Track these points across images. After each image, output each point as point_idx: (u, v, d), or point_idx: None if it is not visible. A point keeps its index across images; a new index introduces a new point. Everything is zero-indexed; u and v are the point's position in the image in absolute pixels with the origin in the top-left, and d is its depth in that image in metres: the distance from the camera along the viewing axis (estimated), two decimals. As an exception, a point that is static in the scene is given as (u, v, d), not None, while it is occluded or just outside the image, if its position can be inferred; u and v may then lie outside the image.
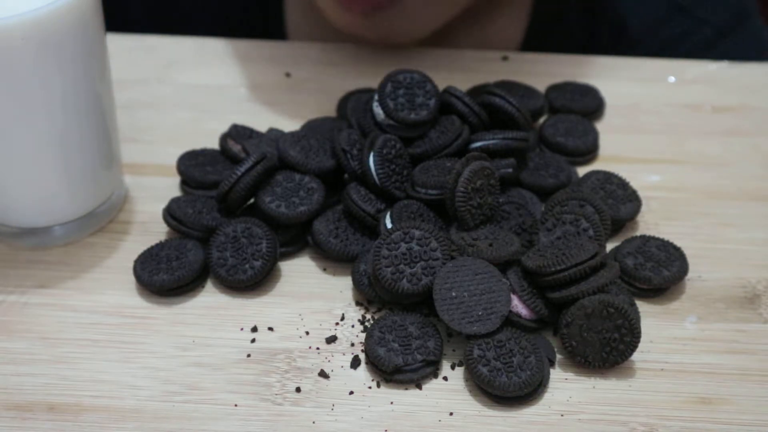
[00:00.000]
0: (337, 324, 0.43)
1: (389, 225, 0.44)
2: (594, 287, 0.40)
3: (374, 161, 0.45)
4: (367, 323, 0.42)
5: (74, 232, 0.47)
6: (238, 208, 0.46)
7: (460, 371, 0.40)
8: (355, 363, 0.41)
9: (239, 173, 0.45)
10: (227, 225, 0.45)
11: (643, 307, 0.44)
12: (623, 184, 0.48)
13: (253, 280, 0.43)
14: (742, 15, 0.70)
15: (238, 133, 0.51)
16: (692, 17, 0.69)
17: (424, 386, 0.40)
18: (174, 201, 0.46)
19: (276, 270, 0.45)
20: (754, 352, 0.42)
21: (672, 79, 0.61)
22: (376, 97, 0.48)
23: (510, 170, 0.47)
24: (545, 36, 0.68)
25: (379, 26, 0.58)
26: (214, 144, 0.52)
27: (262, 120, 0.54)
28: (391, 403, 0.39)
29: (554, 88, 0.58)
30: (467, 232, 0.43)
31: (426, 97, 0.48)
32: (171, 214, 0.46)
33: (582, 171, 0.51)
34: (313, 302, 0.44)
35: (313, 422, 0.38)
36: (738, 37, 0.68)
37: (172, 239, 0.46)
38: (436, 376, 0.40)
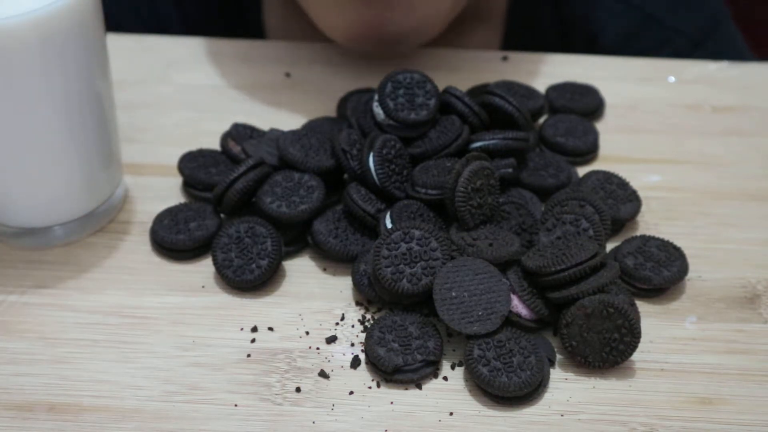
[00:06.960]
0: (337, 324, 0.43)
1: (389, 225, 0.44)
2: (594, 287, 0.40)
3: (374, 161, 0.45)
4: (367, 323, 0.42)
5: (74, 232, 0.47)
6: (235, 211, 0.46)
7: (460, 371, 0.40)
8: (355, 363, 0.41)
9: (233, 177, 0.45)
10: (230, 226, 0.45)
11: (643, 307, 0.44)
12: (623, 184, 0.48)
13: (260, 280, 0.43)
14: (715, 21, 0.69)
15: (239, 132, 0.51)
16: (665, 27, 0.68)
17: (424, 386, 0.40)
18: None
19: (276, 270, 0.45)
20: (754, 352, 0.42)
21: (672, 79, 0.61)
22: (376, 97, 0.48)
23: (510, 170, 0.47)
24: (520, 48, 0.68)
25: (378, 21, 0.53)
26: (214, 144, 0.52)
27: (262, 120, 0.54)
28: (391, 403, 0.39)
29: (554, 88, 0.58)
30: (467, 232, 0.43)
31: (426, 97, 0.48)
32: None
33: (582, 171, 0.51)
34: (313, 302, 0.44)
35: (313, 422, 0.38)
36: (712, 44, 0.68)
37: (191, 202, 0.48)
38: (436, 376, 0.40)
